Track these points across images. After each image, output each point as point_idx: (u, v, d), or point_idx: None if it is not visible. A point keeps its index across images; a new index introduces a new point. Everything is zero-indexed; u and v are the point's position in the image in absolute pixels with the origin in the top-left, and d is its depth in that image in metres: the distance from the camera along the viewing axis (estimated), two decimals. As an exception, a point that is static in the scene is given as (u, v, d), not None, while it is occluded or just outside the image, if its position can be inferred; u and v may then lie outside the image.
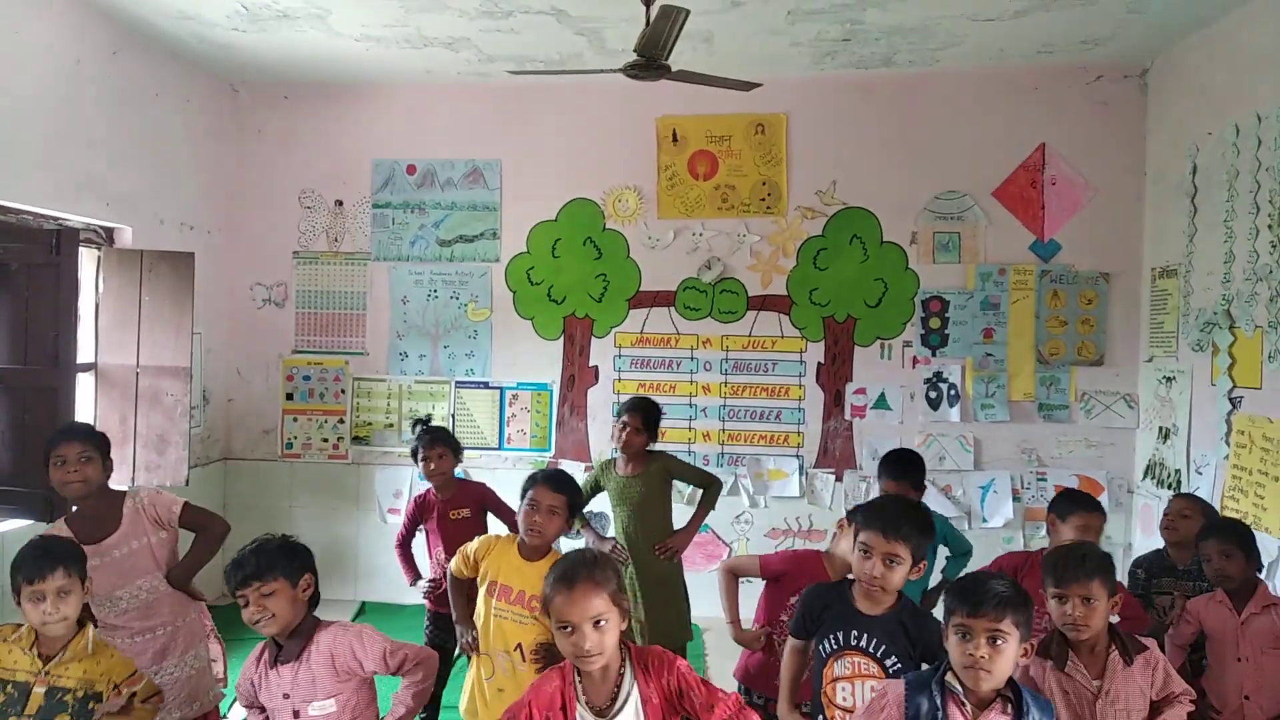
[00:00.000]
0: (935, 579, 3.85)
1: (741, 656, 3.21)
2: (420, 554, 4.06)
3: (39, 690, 2.51)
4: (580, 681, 2.12)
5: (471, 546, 3.00)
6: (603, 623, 2.07)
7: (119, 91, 4.94)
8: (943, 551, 3.95)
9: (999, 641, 2.05)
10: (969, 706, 2.08)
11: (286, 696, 2.45)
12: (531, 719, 2.09)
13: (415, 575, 4.01)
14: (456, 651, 4.04)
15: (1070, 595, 2.46)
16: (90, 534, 2.98)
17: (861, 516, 2.55)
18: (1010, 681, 2.10)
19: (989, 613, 2.06)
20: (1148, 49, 5.21)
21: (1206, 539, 3.14)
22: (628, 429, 4.08)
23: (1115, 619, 2.61)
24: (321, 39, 5.13)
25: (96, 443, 3.10)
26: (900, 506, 2.62)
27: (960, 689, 2.09)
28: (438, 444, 3.97)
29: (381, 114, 6.03)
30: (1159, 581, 3.47)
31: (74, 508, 3.12)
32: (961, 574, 3.65)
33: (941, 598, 2.20)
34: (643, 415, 4.11)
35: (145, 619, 3.02)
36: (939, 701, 2.08)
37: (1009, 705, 2.08)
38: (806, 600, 2.62)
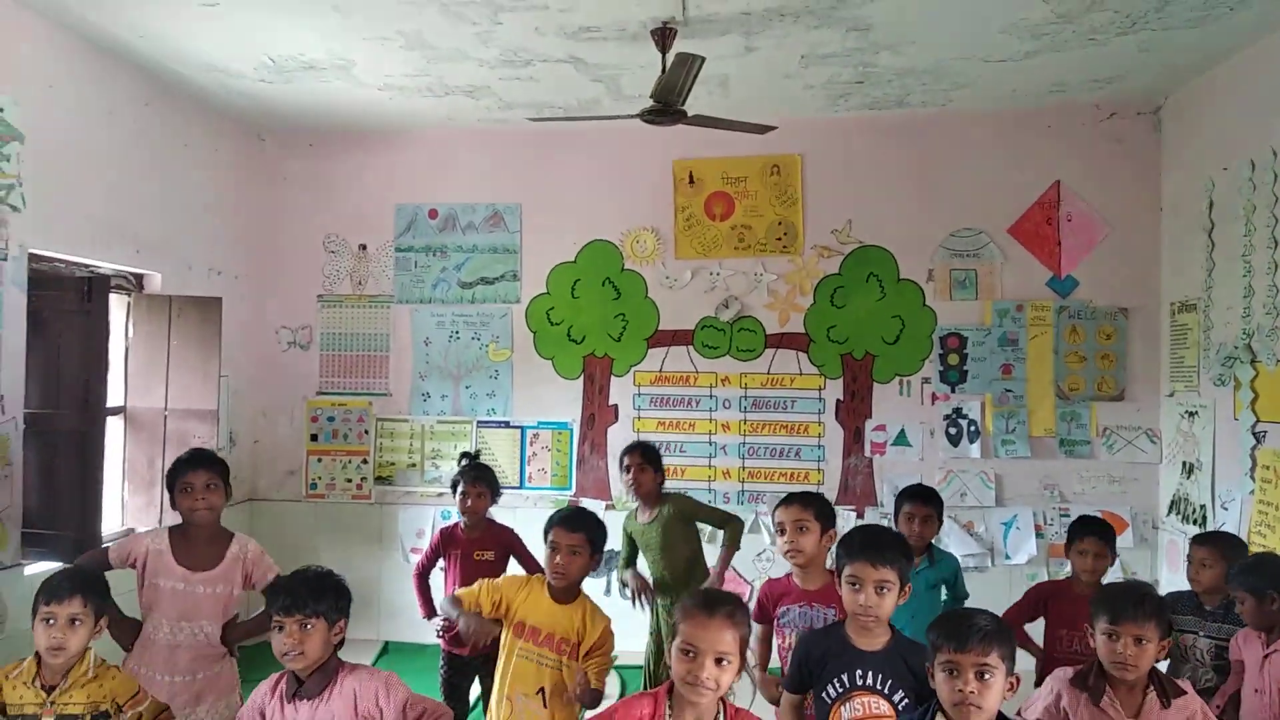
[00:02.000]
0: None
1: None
2: (436, 589, 4.08)
3: None
4: (671, 716, 2.13)
5: (500, 583, 2.97)
6: (725, 661, 2.10)
7: (150, 141, 5.07)
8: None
9: (987, 676, 2.07)
10: None
11: None
12: None
13: (430, 610, 4.01)
14: (475, 696, 4.05)
15: (1123, 634, 2.43)
16: (188, 559, 3.09)
17: (844, 549, 2.57)
18: (1000, 716, 2.11)
19: (975, 648, 2.08)
20: (1160, 86, 5.25)
21: (1237, 578, 3.13)
22: (632, 469, 4.09)
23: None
24: (345, 89, 5.26)
25: (220, 471, 3.22)
26: (881, 533, 2.65)
27: None
28: (480, 482, 4.01)
29: (404, 160, 6.16)
30: (1183, 619, 3.44)
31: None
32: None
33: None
34: (641, 452, 4.12)
35: (191, 660, 3.04)
36: None
37: None
38: (803, 649, 2.61)
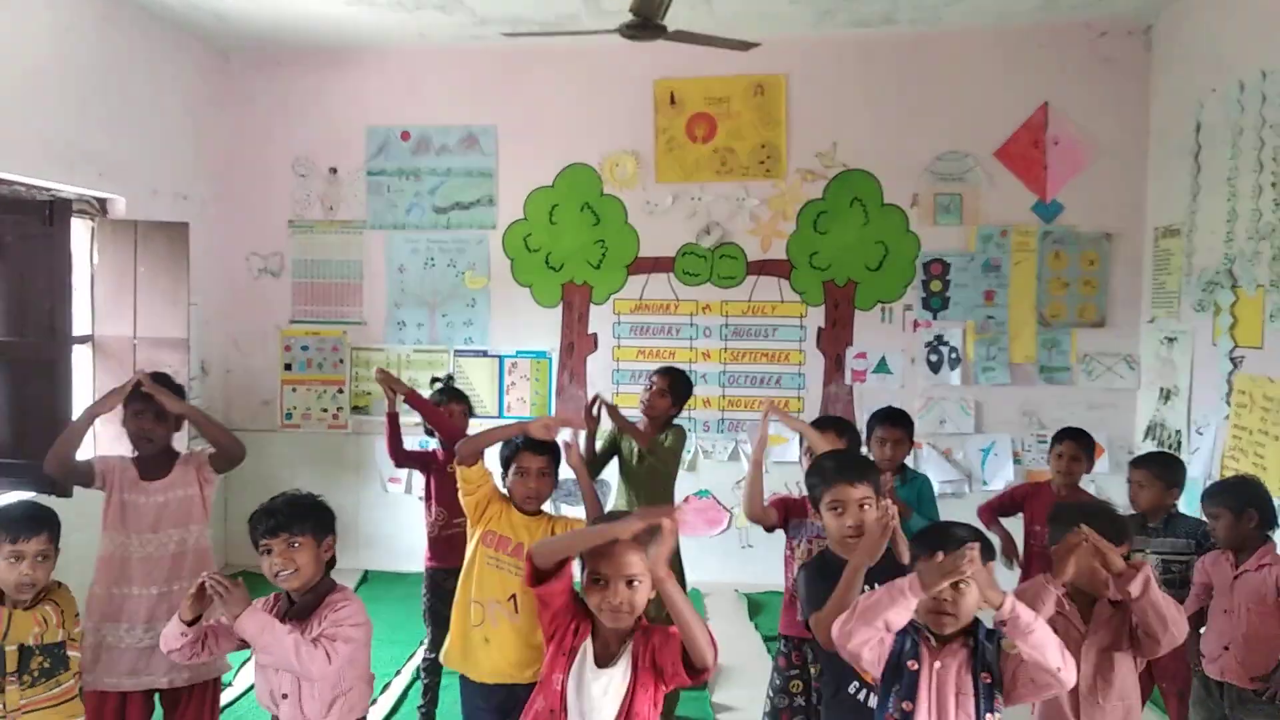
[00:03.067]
0: None
1: (783, 613, 3.21)
2: (416, 511, 4.04)
3: (11, 649, 2.62)
4: (596, 632, 2.19)
5: (490, 482, 2.94)
6: (636, 582, 2.11)
7: (109, 60, 4.87)
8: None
9: (961, 585, 2.11)
10: (934, 642, 2.18)
11: None
12: (559, 602, 2.18)
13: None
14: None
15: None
16: (148, 473, 3.17)
17: (818, 478, 2.60)
18: (976, 621, 2.19)
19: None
20: (1152, 5, 5.14)
21: (1204, 500, 3.19)
22: (653, 389, 4.00)
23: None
24: (312, 3, 5.05)
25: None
26: (846, 454, 2.70)
27: (928, 629, 2.19)
28: (454, 401, 4.01)
29: (374, 80, 5.96)
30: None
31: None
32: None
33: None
34: (670, 379, 4.03)
35: (168, 571, 3.10)
36: (915, 639, 2.19)
37: (969, 639, 2.18)
38: (806, 580, 2.61)
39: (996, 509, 4.11)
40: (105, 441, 4.85)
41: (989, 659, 2.16)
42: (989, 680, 2.14)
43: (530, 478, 2.89)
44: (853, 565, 2.40)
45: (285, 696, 2.42)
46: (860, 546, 2.42)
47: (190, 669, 3.13)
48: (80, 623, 2.82)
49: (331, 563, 2.54)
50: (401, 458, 4.07)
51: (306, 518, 2.46)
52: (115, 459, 3.23)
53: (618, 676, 2.13)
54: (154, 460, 3.21)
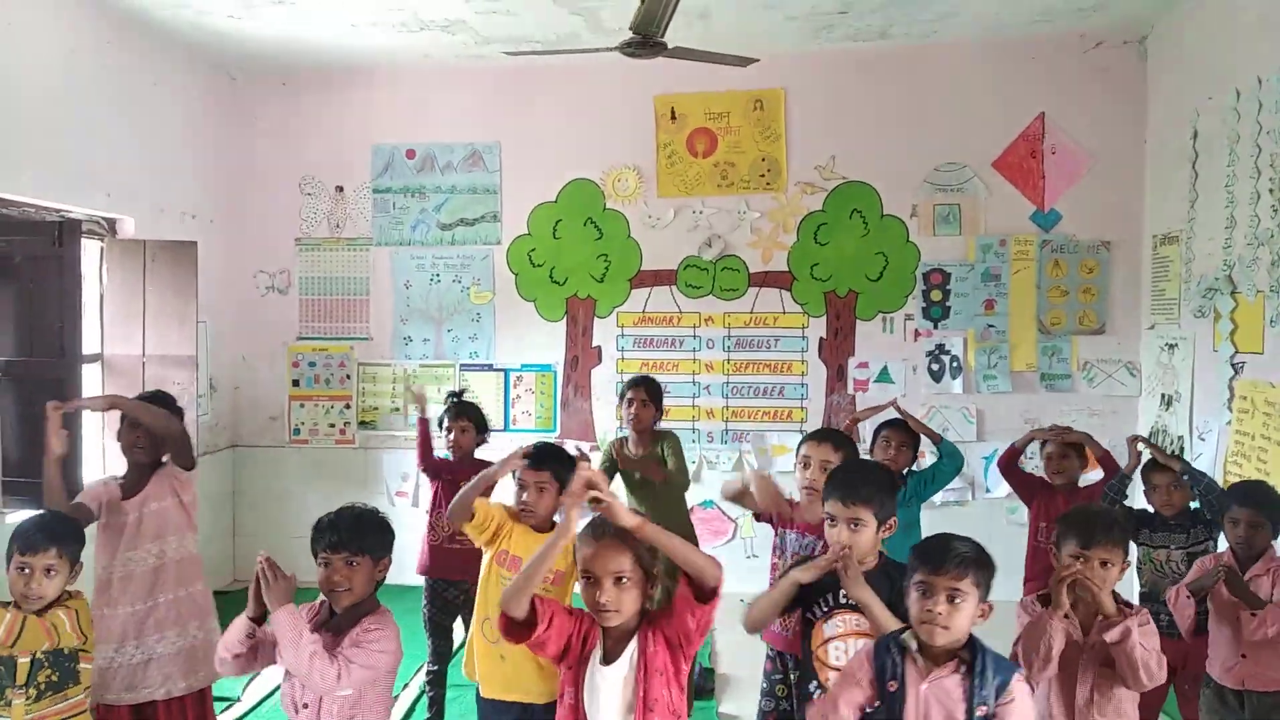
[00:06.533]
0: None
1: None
2: (424, 527, 4.11)
3: (23, 660, 2.63)
4: (604, 632, 2.21)
5: (497, 508, 2.96)
6: (624, 580, 2.13)
7: (116, 81, 4.95)
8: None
9: (957, 600, 2.09)
10: (921, 663, 2.12)
11: None
12: (555, 629, 2.16)
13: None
14: (459, 642, 4.09)
15: (1092, 558, 2.48)
16: (127, 489, 3.21)
17: (826, 485, 2.60)
18: (971, 641, 2.13)
19: (951, 571, 2.10)
20: (1147, 14, 5.18)
21: (1241, 504, 3.14)
22: (634, 403, 4.09)
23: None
24: (317, 24, 5.12)
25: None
26: (859, 469, 2.67)
27: (914, 645, 2.14)
28: (462, 417, 4.03)
29: (379, 99, 6.03)
30: (1156, 536, 3.55)
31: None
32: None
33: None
34: (647, 389, 4.13)
35: (149, 587, 3.15)
36: (898, 658, 2.14)
37: (962, 665, 2.10)
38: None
39: (1014, 458, 4.23)
40: (115, 457, 4.92)
41: (987, 693, 2.05)
42: (985, 714, 2.05)
43: (527, 490, 2.92)
44: (790, 577, 2.46)
45: (306, 706, 2.42)
46: (807, 565, 2.46)
47: (197, 674, 3.20)
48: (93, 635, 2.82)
49: (381, 582, 2.51)
50: (432, 465, 4.12)
51: (368, 537, 2.43)
52: (99, 486, 3.24)
53: (624, 669, 2.16)
54: (136, 477, 3.24)
